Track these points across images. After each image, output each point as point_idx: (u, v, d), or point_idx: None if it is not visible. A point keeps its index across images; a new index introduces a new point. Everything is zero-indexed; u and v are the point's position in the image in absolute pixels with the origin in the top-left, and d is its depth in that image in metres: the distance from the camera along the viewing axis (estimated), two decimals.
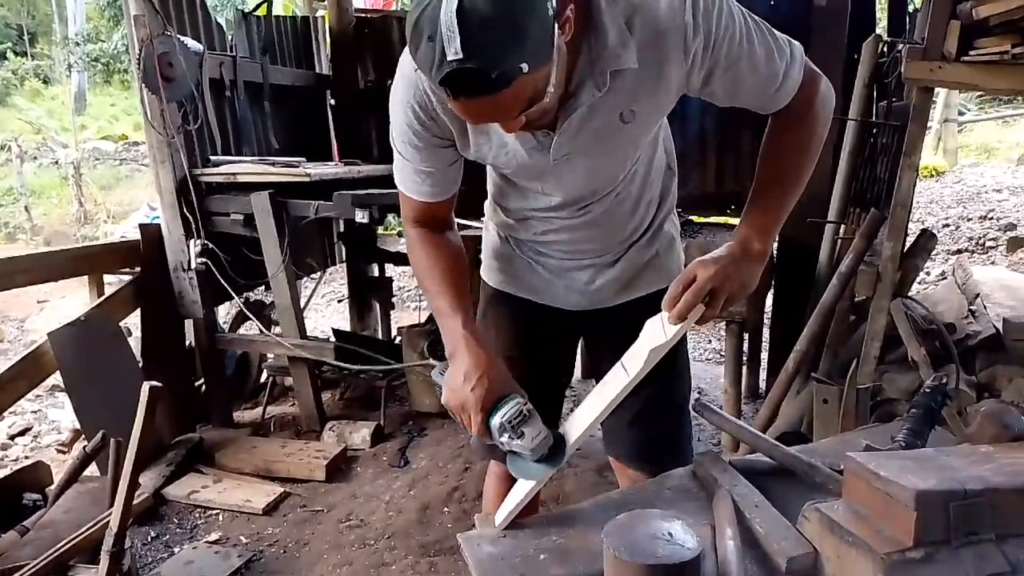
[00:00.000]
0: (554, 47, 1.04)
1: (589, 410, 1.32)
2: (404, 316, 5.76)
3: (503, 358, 1.73)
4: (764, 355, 4.02)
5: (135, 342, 3.77)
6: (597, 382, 1.69)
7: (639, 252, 1.62)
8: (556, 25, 1.03)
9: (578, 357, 2.04)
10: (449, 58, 0.97)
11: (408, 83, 1.29)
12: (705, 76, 1.26)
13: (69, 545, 2.10)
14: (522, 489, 1.33)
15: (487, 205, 1.69)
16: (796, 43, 1.32)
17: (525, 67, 1.00)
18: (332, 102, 4.91)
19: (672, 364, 1.65)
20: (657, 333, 1.26)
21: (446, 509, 3.06)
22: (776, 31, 1.30)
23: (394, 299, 4.97)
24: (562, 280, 1.64)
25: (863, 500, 1.04)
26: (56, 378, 3.60)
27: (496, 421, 1.28)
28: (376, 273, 4.92)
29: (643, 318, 1.33)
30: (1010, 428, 1.22)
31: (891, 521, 0.98)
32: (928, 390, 1.38)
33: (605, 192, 1.47)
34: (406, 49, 1.20)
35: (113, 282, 3.89)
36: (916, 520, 0.94)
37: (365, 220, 3.44)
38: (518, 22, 0.98)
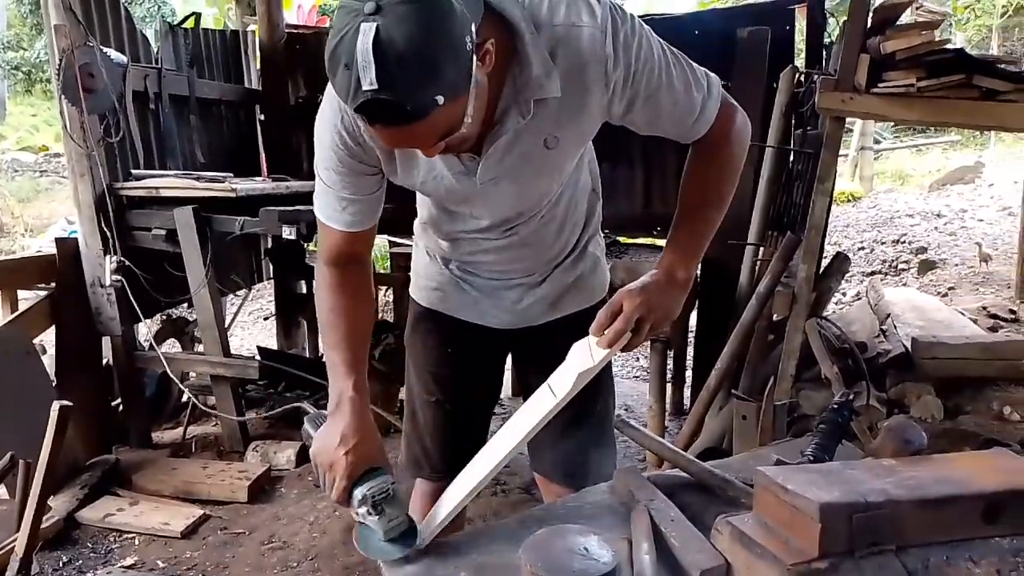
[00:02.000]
0: (472, 79, 1.06)
1: (517, 427, 1.33)
2: None
3: (429, 374, 1.75)
4: (688, 373, 4.11)
5: (49, 360, 3.63)
6: (525, 399, 1.72)
7: (565, 272, 1.66)
8: (475, 58, 1.05)
9: (507, 376, 2.06)
10: (364, 88, 0.98)
11: (335, 108, 1.29)
12: (626, 106, 1.30)
13: None
14: (446, 507, 1.34)
15: (416, 225, 1.70)
16: (713, 76, 1.38)
17: (440, 100, 1.01)
18: (261, 117, 4.85)
19: (597, 380, 1.69)
20: (585, 357, 1.30)
21: None
22: (694, 64, 1.35)
23: None
24: (490, 299, 1.66)
25: (772, 513, 1.07)
26: None
27: (359, 492, 1.27)
28: (304, 290, 4.85)
29: (569, 336, 1.35)
30: (911, 443, 1.28)
31: (798, 533, 1.01)
32: (835, 406, 1.44)
33: (531, 214, 1.50)
34: None
35: (29, 297, 3.74)
36: (820, 532, 0.97)
37: (292, 236, 3.40)
38: (434, 56, 0.99)
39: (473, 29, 1.04)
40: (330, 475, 1.30)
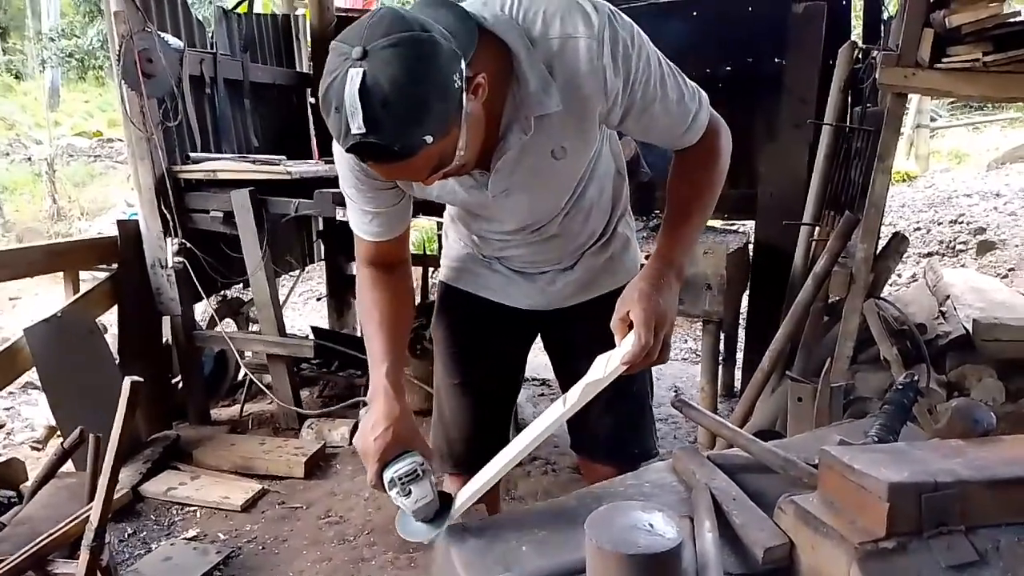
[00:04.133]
0: (462, 115, 1.08)
1: (531, 432, 1.33)
2: None
3: (453, 354, 1.78)
4: (739, 354, 4.07)
5: (112, 339, 3.74)
6: (561, 381, 1.76)
7: (595, 255, 1.69)
8: (465, 93, 1.08)
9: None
10: (353, 131, 1.02)
11: None
12: (622, 114, 1.33)
13: (48, 540, 2.08)
14: (478, 482, 1.35)
15: (446, 217, 1.74)
16: (702, 91, 1.42)
17: (429, 139, 1.05)
18: (312, 100, 4.90)
19: None
20: (598, 369, 1.31)
21: None
22: (687, 77, 1.39)
23: None
24: (522, 281, 1.69)
25: (837, 492, 1.06)
26: (30, 375, 3.57)
27: (388, 475, 1.31)
28: (355, 271, 4.91)
29: (600, 316, 1.38)
30: (979, 424, 1.26)
31: (864, 512, 1.00)
32: (900, 387, 1.41)
33: (552, 217, 1.53)
34: None
35: (87, 279, 3.85)
36: (889, 511, 0.96)
37: (345, 218, 3.43)
38: (420, 99, 1.02)
39: (463, 65, 1.07)
40: (366, 465, 1.34)
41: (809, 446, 1.47)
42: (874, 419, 1.43)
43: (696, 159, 1.45)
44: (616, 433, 1.74)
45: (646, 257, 1.52)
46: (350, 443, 3.65)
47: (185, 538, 2.90)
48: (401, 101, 1.01)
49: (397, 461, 1.31)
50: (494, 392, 1.83)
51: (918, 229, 7.58)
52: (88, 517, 1.97)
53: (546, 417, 1.33)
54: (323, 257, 4.99)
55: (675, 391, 4.44)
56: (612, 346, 1.33)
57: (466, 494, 1.34)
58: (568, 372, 1.76)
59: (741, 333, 4.12)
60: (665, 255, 1.39)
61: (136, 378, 1.89)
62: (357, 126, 1.01)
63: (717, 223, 4.35)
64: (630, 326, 1.28)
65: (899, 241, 3.08)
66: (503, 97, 1.24)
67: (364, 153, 1.06)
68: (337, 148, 1.36)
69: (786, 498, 1.13)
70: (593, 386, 1.29)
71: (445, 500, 1.34)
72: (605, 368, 1.29)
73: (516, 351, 1.86)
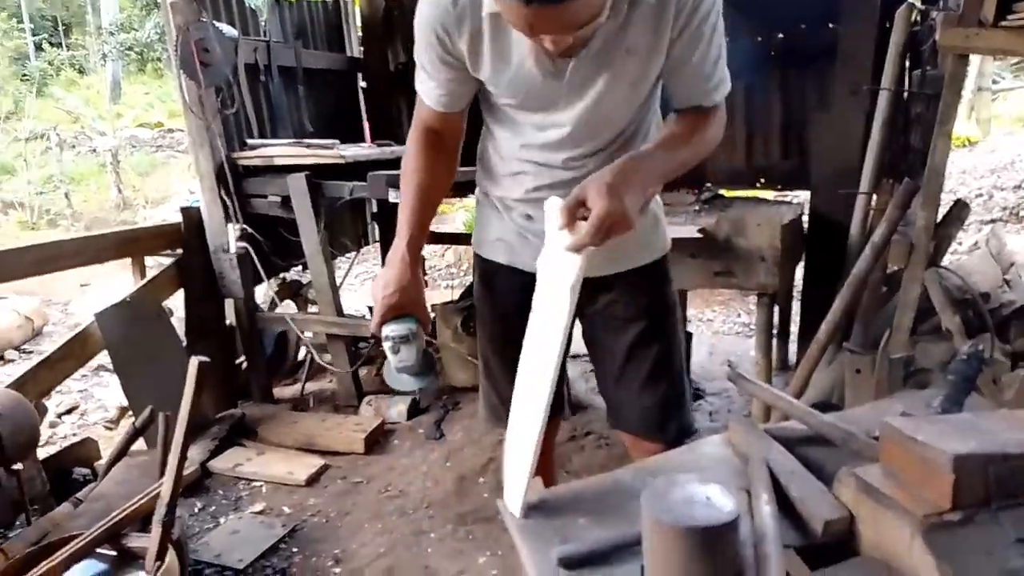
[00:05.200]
0: None
1: (542, 363, 1.30)
2: (436, 294, 5.83)
3: (497, 327, 1.82)
4: (793, 327, 4.02)
5: (178, 322, 3.87)
6: (589, 351, 1.82)
7: None
8: None
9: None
10: None
11: (432, 3, 1.42)
12: (678, 31, 1.37)
13: (122, 515, 2.18)
14: (516, 464, 1.34)
15: (478, 172, 1.75)
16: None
17: None
18: (363, 85, 4.95)
19: (664, 326, 1.74)
20: (566, 270, 1.25)
21: (482, 480, 3.13)
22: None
23: (426, 278, 5.02)
24: None
25: (900, 464, 1.04)
26: (101, 358, 3.71)
27: (385, 330, 1.53)
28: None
29: (627, 290, 1.47)
30: None
31: (928, 485, 0.98)
32: (965, 357, 1.38)
33: (603, 144, 1.54)
34: None
35: (152, 265, 3.98)
36: (954, 483, 0.94)
37: (399, 200, 3.48)
38: None
39: None
40: (372, 317, 1.56)
41: (869, 418, 1.44)
42: (937, 390, 1.41)
43: (697, 122, 1.48)
44: (661, 410, 1.75)
45: None
46: (408, 419, 3.73)
47: (252, 512, 3.01)
48: None
49: (397, 321, 1.52)
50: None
51: (980, 195, 7.34)
52: (159, 493, 2.05)
53: (543, 352, 1.30)
54: (378, 239, 5.07)
55: (728, 364, 4.39)
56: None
57: (519, 476, 1.30)
58: (595, 344, 1.81)
59: (795, 306, 4.06)
60: (651, 156, 1.37)
61: (203, 358, 1.96)
62: None
63: (770, 194, 4.29)
64: (583, 217, 1.24)
65: (960, 208, 2.99)
66: None
67: None
68: (421, 18, 1.45)
69: (847, 470, 1.11)
70: (576, 284, 1.23)
71: (428, 361, 1.56)
72: (574, 266, 1.23)
73: None
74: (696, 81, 1.45)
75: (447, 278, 7.06)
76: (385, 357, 1.58)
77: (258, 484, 3.22)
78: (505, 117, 1.57)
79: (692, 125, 1.47)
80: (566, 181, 1.56)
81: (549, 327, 1.30)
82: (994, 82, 11.18)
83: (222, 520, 2.96)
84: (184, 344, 3.69)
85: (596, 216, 1.21)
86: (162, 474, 2.22)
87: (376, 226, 5.01)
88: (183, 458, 2.06)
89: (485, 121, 1.66)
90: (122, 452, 2.58)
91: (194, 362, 1.97)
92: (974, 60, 8.53)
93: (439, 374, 1.65)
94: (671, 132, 1.47)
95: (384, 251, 5.02)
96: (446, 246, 7.08)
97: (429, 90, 1.55)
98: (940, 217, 2.81)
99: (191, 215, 3.75)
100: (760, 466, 1.26)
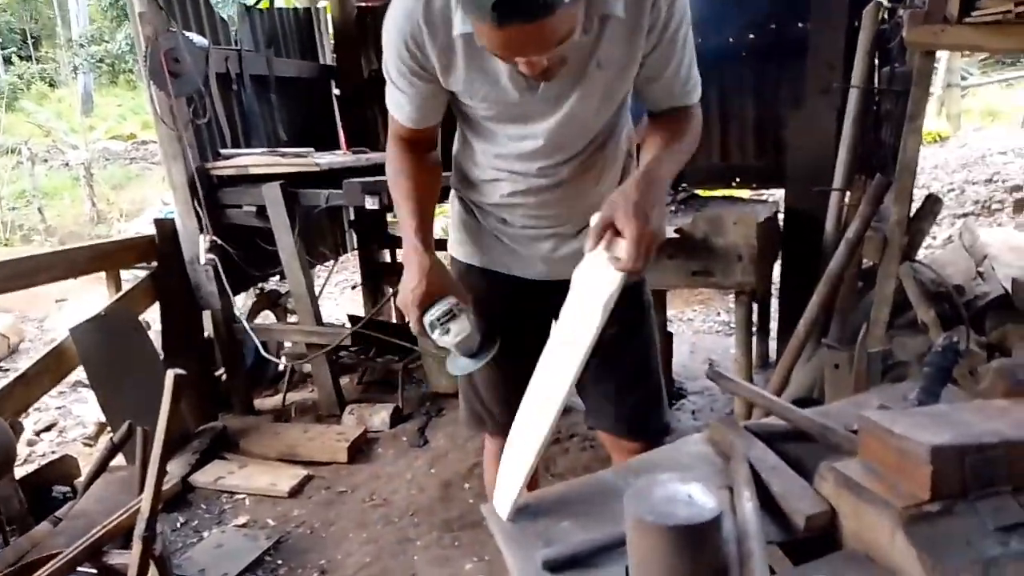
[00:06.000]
0: None
1: (557, 375, 1.32)
2: None
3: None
4: (773, 324, 4.05)
5: (155, 335, 3.83)
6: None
7: None
8: None
9: None
10: None
11: (401, 14, 1.38)
12: (652, 45, 1.39)
13: (102, 532, 2.14)
14: (514, 467, 1.33)
15: (452, 175, 1.75)
16: None
17: None
18: (337, 92, 4.93)
19: (642, 326, 1.76)
20: (600, 286, 1.29)
21: (466, 485, 3.12)
22: None
23: None
24: (525, 250, 1.70)
25: (878, 457, 1.05)
26: (79, 374, 3.67)
27: (427, 318, 1.42)
28: (388, 259, 4.95)
29: None
30: (1022, 383, 1.24)
31: (907, 477, 0.99)
32: (940, 349, 1.39)
33: (574, 152, 1.54)
34: None
35: (129, 279, 3.94)
36: (932, 474, 0.95)
37: (375, 207, 3.48)
38: None
39: None
40: (408, 317, 1.46)
41: (848, 412, 1.45)
42: (914, 383, 1.42)
43: (680, 122, 1.50)
44: (638, 410, 1.76)
45: None
46: (391, 427, 3.71)
47: (235, 525, 2.98)
48: None
49: (433, 306, 1.43)
50: (522, 359, 1.84)
51: (952, 190, 7.44)
52: (139, 508, 2.02)
53: (563, 357, 1.31)
54: (356, 246, 5.04)
55: (709, 363, 4.43)
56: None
57: (510, 479, 1.32)
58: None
59: (774, 303, 4.09)
60: (659, 168, 1.39)
61: (179, 371, 1.93)
62: None
63: (745, 193, 4.32)
64: (615, 232, 1.27)
65: (933, 202, 3.03)
66: None
67: (509, 7, 1.09)
68: (390, 28, 1.41)
69: (827, 465, 1.12)
70: (610, 302, 1.27)
71: (485, 333, 1.45)
72: (610, 284, 1.27)
73: (535, 321, 1.86)
74: (673, 86, 1.48)
75: None
76: (445, 353, 1.48)
77: (241, 497, 3.19)
78: (479, 127, 1.57)
79: (677, 126, 1.49)
80: (541, 187, 1.58)
81: (574, 340, 1.31)
82: (963, 78, 11.35)
83: (205, 534, 2.93)
84: (162, 357, 3.65)
85: (632, 241, 1.24)
86: (141, 489, 2.19)
87: (354, 234, 4.98)
88: (162, 472, 2.03)
89: (459, 127, 1.65)
90: (101, 469, 2.55)
91: (170, 375, 1.94)
92: (942, 56, 8.66)
93: (496, 342, 1.53)
94: (663, 136, 1.47)
95: (364, 259, 5.00)
96: None
97: (400, 106, 1.53)
98: (913, 212, 2.84)
99: (165, 227, 3.72)
100: (741, 463, 1.27)
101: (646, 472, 1.33)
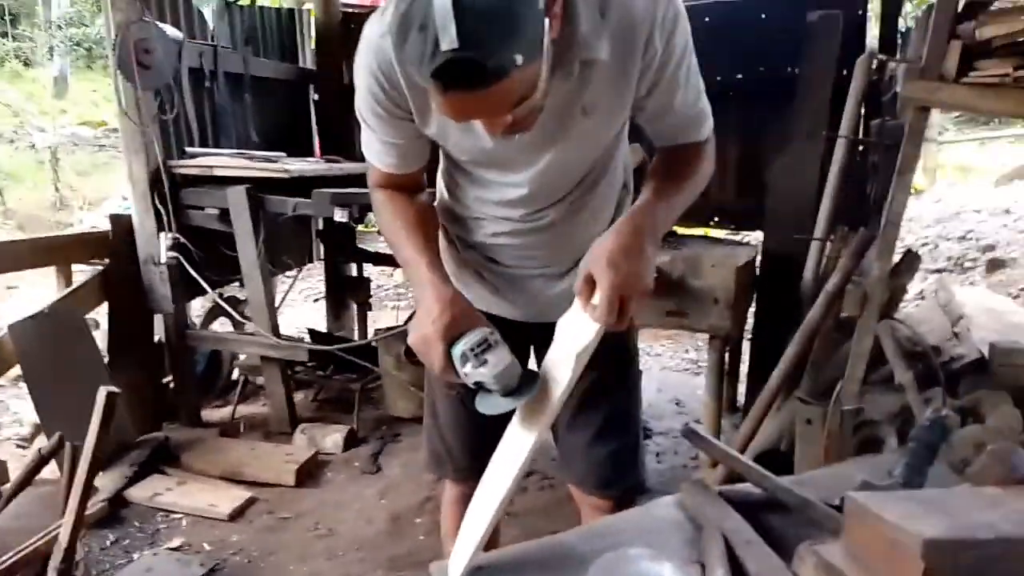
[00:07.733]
0: (544, 43, 1.01)
1: (528, 424, 1.25)
2: (382, 316, 5.68)
3: None
4: (743, 367, 3.98)
5: (102, 335, 3.65)
6: None
7: None
8: (546, 21, 1.01)
9: None
10: (443, 48, 0.93)
11: (372, 50, 1.26)
12: (649, 86, 1.29)
13: (15, 558, 1.97)
14: (474, 525, 1.23)
15: (436, 205, 1.64)
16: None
17: (519, 59, 0.97)
18: (315, 97, 4.82)
19: (625, 377, 1.67)
20: (578, 336, 1.23)
21: (417, 520, 2.98)
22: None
23: (372, 299, 4.87)
24: (511, 290, 1.61)
25: (864, 543, 0.99)
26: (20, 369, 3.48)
27: (458, 350, 1.20)
28: (354, 272, 4.83)
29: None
30: (1017, 470, 1.18)
31: (895, 568, 0.93)
32: (928, 424, 1.32)
33: (560, 195, 1.45)
34: (373, 15, 1.23)
35: (87, 270, 3.76)
36: (924, 571, 0.89)
37: (344, 219, 3.36)
38: (514, 14, 0.96)
39: None
40: (426, 350, 1.24)
41: (827, 482, 1.40)
42: (898, 456, 1.35)
43: (687, 160, 1.41)
44: (611, 464, 1.66)
45: None
46: (344, 450, 3.56)
47: (169, 548, 2.80)
48: (497, 13, 0.94)
49: (461, 338, 1.21)
50: None
51: (926, 244, 7.50)
52: (58, 535, 1.87)
53: (537, 407, 1.23)
54: (323, 257, 4.91)
55: (676, 403, 4.35)
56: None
57: (470, 533, 1.23)
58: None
59: (745, 345, 4.02)
60: (648, 213, 1.29)
61: (112, 388, 1.79)
62: (449, 41, 0.93)
63: (722, 233, 4.26)
64: (593, 288, 1.21)
65: (912, 259, 2.99)
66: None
67: (452, 75, 0.96)
68: (359, 69, 1.29)
69: (807, 546, 1.06)
70: (584, 354, 1.21)
71: (525, 369, 1.25)
72: (586, 336, 1.22)
73: None
74: (680, 121, 1.39)
75: (393, 299, 6.91)
76: (473, 392, 1.24)
77: (178, 516, 3.02)
78: (461, 168, 1.47)
79: (680, 167, 1.40)
80: (526, 231, 1.49)
81: (548, 390, 1.23)
82: (940, 133, 11.56)
83: (135, 556, 2.76)
84: (107, 361, 3.47)
85: (604, 294, 1.18)
86: (65, 510, 2.03)
87: (321, 244, 4.85)
88: (86, 497, 1.89)
89: (442, 163, 1.55)
90: (25, 482, 2.37)
91: (102, 392, 1.80)
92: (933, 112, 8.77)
93: (538, 378, 1.29)
94: (662, 178, 1.38)
95: (329, 271, 4.87)
96: (394, 267, 6.94)
97: (376, 153, 1.42)
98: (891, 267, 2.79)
99: (121, 223, 3.56)
100: (715, 536, 1.19)
101: (612, 537, 1.24)
